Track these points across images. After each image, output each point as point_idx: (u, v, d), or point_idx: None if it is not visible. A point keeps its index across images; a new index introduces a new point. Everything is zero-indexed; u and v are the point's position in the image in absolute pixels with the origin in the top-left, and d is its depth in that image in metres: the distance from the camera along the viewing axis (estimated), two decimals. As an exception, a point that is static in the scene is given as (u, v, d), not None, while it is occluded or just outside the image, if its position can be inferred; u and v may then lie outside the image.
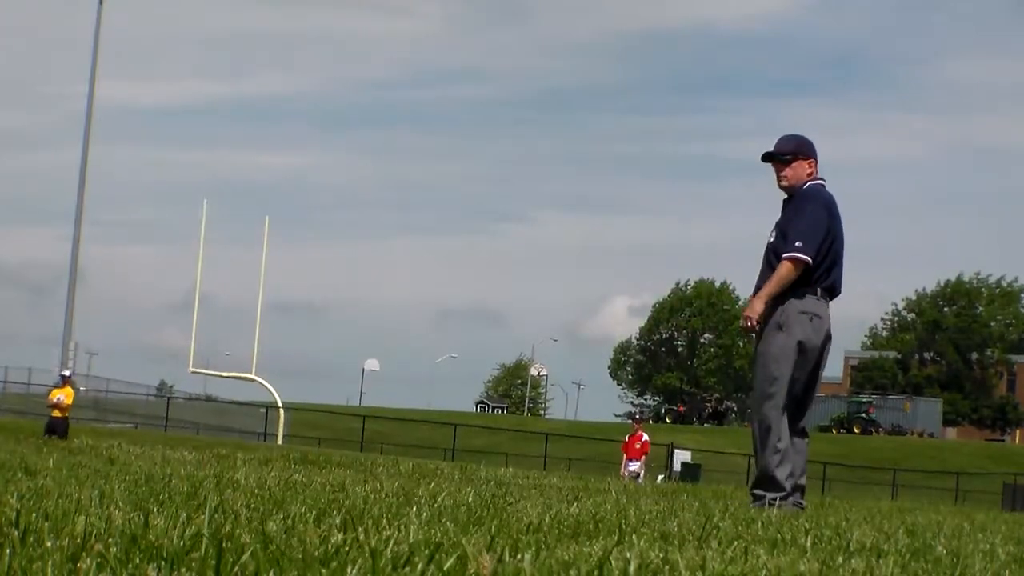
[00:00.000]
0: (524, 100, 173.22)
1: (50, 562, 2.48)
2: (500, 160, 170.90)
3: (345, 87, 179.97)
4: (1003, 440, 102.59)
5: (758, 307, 7.89)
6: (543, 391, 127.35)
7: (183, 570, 2.52)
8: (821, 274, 7.92)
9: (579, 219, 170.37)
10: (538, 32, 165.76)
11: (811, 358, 7.91)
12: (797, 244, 7.81)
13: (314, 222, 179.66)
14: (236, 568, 2.52)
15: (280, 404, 55.59)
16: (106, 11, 59.84)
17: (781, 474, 7.69)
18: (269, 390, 55.58)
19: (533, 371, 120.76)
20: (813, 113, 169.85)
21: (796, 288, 7.87)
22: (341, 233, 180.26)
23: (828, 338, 8.00)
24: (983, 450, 80.00)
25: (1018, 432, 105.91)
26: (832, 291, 8.02)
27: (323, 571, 2.56)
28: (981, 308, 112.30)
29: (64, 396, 29.89)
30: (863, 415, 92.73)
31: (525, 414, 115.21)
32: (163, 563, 2.56)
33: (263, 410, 61.02)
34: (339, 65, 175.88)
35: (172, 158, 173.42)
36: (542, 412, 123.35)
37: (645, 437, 34.37)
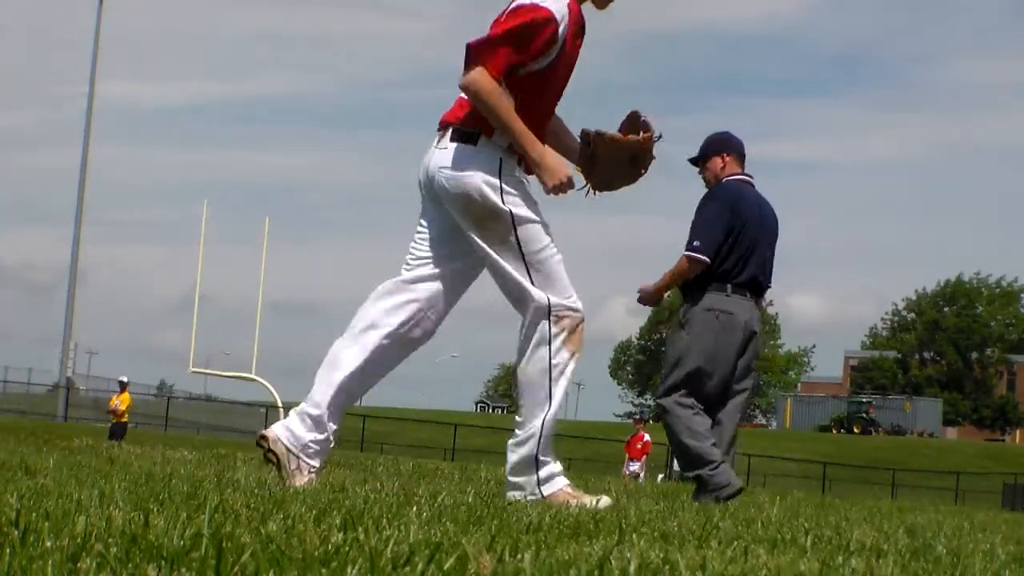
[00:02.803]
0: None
1: (50, 562, 2.48)
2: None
3: (345, 87, 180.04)
4: (1003, 440, 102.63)
5: (651, 286, 8.06)
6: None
7: (183, 570, 2.52)
8: (732, 270, 7.94)
9: (579, 219, 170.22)
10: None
11: (723, 355, 7.91)
12: (695, 244, 7.91)
13: (314, 222, 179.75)
14: (236, 568, 2.52)
15: (280, 404, 55.57)
16: (106, 11, 59.86)
17: (701, 448, 7.74)
18: (269, 390, 55.59)
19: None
20: (815, 113, 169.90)
21: (704, 286, 7.94)
22: (341, 233, 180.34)
23: (747, 333, 7.98)
24: (983, 450, 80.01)
25: (1018, 432, 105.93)
26: (752, 286, 8.02)
27: (323, 571, 2.56)
28: (981, 308, 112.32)
29: (120, 403, 30.42)
30: (863, 415, 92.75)
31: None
32: (163, 563, 2.56)
33: (263, 410, 61.01)
34: (339, 65, 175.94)
35: (172, 158, 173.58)
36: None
37: (647, 437, 34.40)
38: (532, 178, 5.92)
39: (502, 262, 5.76)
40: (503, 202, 5.75)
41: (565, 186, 5.83)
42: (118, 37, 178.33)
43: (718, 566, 3.10)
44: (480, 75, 5.76)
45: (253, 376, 54.94)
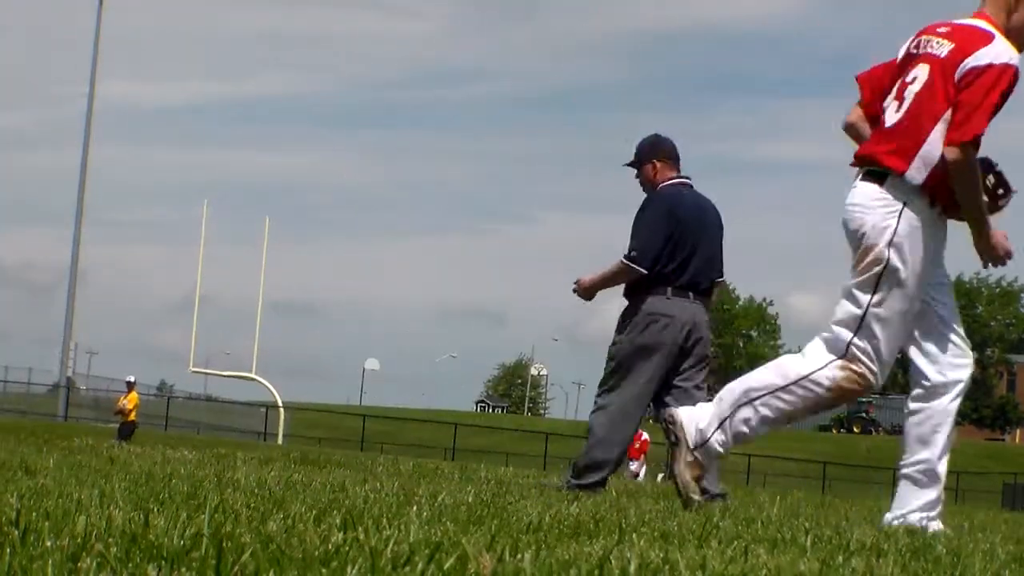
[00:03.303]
0: (526, 100, 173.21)
1: (50, 562, 2.48)
2: (501, 160, 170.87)
3: (346, 87, 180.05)
4: (1003, 440, 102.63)
5: (587, 282, 8.21)
6: (543, 391, 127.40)
7: (183, 570, 2.52)
8: (672, 273, 8.05)
9: (580, 219, 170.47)
10: (542, 33, 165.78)
11: (664, 357, 8.01)
12: (633, 252, 8.04)
13: (314, 222, 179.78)
14: (236, 568, 2.52)
15: (280, 404, 55.63)
16: (106, 11, 59.88)
17: (592, 457, 7.92)
18: (269, 390, 55.64)
19: (533, 371, 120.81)
20: (815, 113, 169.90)
21: (643, 291, 8.05)
22: (341, 233, 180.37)
23: (690, 334, 8.07)
24: (983, 450, 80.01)
25: (1018, 432, 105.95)
26: (694, 287, 8.12)
27: (323, 571, 2.56)
28: (981, 308, 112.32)
29: (128, 402, 30.53)
30: (863, 415, 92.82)
31: (525, 414, 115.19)
32: (163, 563, 2.56)
33: (263, 410, 61.04)
34: (340, 65, 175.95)
35: (172, 158, 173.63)
36: (542, 412, 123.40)
37: (645, 436, 34.43)
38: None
39: (848, 298, 5.82)
40: (887, 251, 5.76)
41: (1004, 259, 5.82)
42: (118, 37, 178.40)
43: (718, 566, 3.10)
44: (967, 151, 5.65)
45: (253, 376, 54.98)
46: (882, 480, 54.71)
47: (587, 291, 8.26)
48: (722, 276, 8.36)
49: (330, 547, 2.87)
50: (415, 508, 4.48)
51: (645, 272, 7.98)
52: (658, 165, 8.29)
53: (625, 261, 8.04)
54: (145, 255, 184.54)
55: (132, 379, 32.25)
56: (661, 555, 3.23)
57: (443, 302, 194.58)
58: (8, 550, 2.56)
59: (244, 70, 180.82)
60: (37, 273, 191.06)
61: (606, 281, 8.16)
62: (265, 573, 2.53)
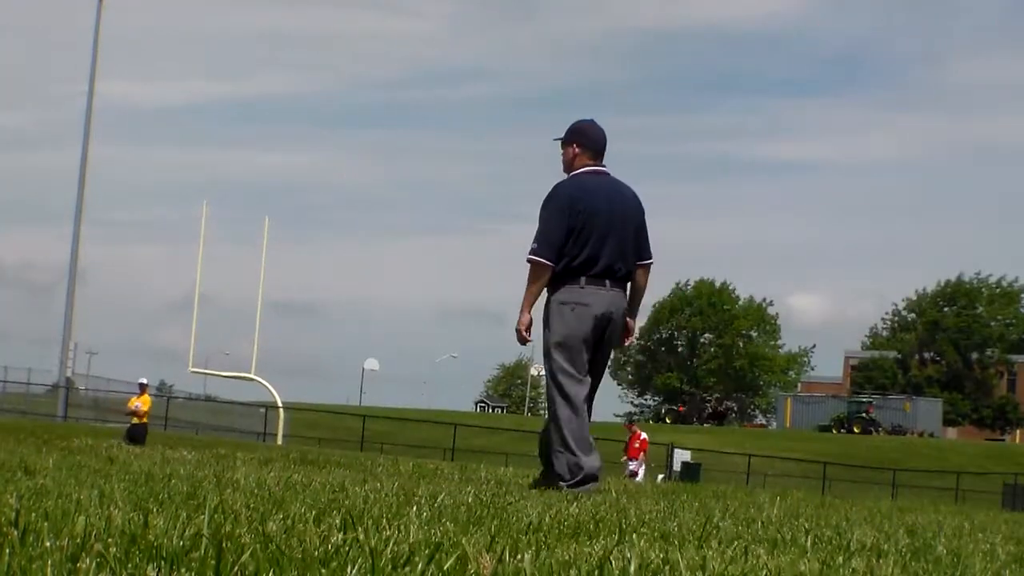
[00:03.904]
0: (526, 100, 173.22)
1: (50, 562, 2.48)
2: (501, 160, 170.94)
3: (346, 87, 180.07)
4: (1003, 440, 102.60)
5: (523, 318, 8.19)
6: (543, 391, 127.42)
7: (183, 570, 2.52)
8: (585, 263, 8.10)
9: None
10: (542, 32, 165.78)
11: (586, 344, 8.11)
12: (535, 246, 8.09)
13: (314, 222, 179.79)
14: (236, 568, 2.52)
15: (280, 404, 55.60)
16: (106, 11, 59.84)
17: (578, 460, 8.01)
18: (269, 390, 55.60)
19: (533, 371, 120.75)
20: (815, 113, 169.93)
21: (556, 282, 8.12)
22: (341, 233, 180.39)
23: (607, 319, 8.17)
24: (983, 450, 79.98)
25: (1018, 432, 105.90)
26: (609, 274, 8.17)
27: (323, 571, 2.56)
28: (981, 308, 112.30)
29: (141, 403, 30.42)
30: (863, 415, 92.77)
31: (525, 414, 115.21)
32: (163, 563, 2.56)
33: (263, 410, 61.01)
34: (340, 65, 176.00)
35: (172, 158, 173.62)
36: (542, 412, 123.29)
37: (643, 436, 34.46)
38: None
39: None
40: None
41: None
42: (118, 37, 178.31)
43: (718, 566, 3.10)
44: None
45: (253, 376, 54.96)
46: (882, 480, 54.72)
47: (525, 322, 8.20)
48: (649, 259, 8.40)
49: (330, 547, 2.87)
50: (415, 508, 4.48)
51: (550, 264, 8.03)
52: (577, 150, 8.37)
53: (529, 257, 8.10)
54: (145, 255, 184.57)
55: (145, 381, 32.07)
56: (661, 555, 3.23)
57: (443, 302, 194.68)
58: (8, 550, 2.56)
59: (244, 70, 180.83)
60: (37, 273, 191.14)
61: (529, 293, 8.17)
62: (265, 573, 2.53)
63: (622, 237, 8.21)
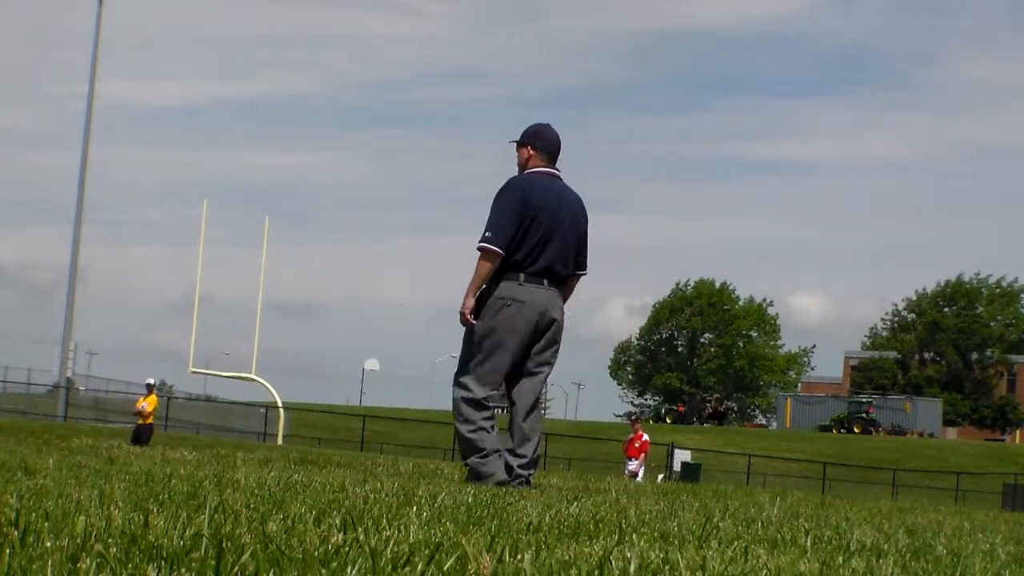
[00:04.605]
0: (527, 100, 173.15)
1: (50, 562, 2.48)
2: (501, 160, 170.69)
3: (346, 87, 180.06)
4: (1003, 440, 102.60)
5: (467, 302, 8.25)
6: (543, 391, 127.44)
7: (183, 570, 2.52)
8: (526, 260, 8.20)
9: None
10: (543, 32, 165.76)
11: (512, 341, 8.20)
12: (487, 235, 8.18)
13: (314, 222, 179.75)
14: (236, 568, 2.52)
15: (280, 404, 55.60)
16: (106, 11, 59.83)
17: (474, 438, 8.14)
18: (269, 390, 55.59)
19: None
20: (815, 113, 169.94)
21: (497, 276, 8.21)
22: (341, 233, 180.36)
23: (544, 319, 8.25)
24: (983, 450, 79.98)
25: (1018, 432, 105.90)
26: (548, 274, 8.27)
27: (323, 571, 2.56)
28: (981, 308, 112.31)
29: (147, 404, 30.43)
30: (863, 415, 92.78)
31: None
32: (163, 563, 2.56)
33: (263, 410, 61.01)
34: (340, 65, 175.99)
35: (172, 158, 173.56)
36: (542, 412, 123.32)
37: (645, 436, 34.45)
38: None
39: None
40: None
41: None
42: (118, 37, 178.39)
43: (718, 566, 3.10)
44: None
45: (253, 376, 54.94)
46: (882, 480, 54.74)
47: (469, 305, 8.29)
48: (584, 270, 8.50)
49: (330, 547, 2.87)
50: (415, 508, 4.48)
51: (502, 252, 8.12)
52: (531, 152, 8.49)
53: (481, 244, 8.17)
54: (145, 255, 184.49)
55: (152, 381, 32.03)
56: (661, 555, 3.23)
57: (443, 302, 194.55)
58: (8, 550, 2.56)
59: (244, 70, 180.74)
60: (37, 273, 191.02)
61: (476, 279, 8.24)
62: (265, 573, 2.53)
63: (565, 241, 8.34)
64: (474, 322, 8.22)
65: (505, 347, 8.18)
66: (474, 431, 8.18)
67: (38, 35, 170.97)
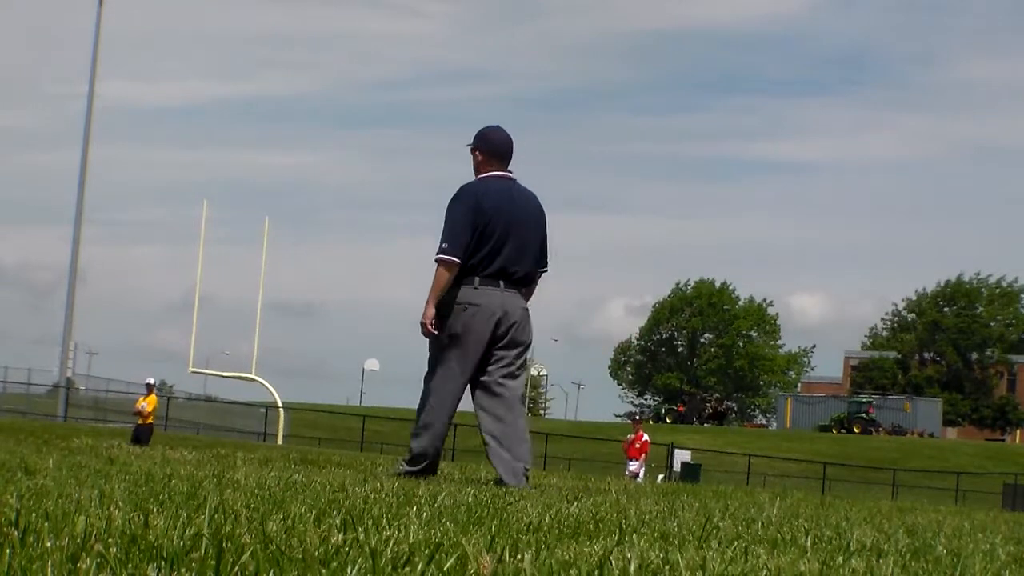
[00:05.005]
0: (527, 100, 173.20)
1: (50, 562, 2.48)
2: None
3: (346, 87, 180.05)
4: (1003, 440, 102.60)
5: (428, 311, 8.38)
6: (543, 391, 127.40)
7: (183, 570, 2.52)
8: (480, 264, 8.32)
9: (580, 219, 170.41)
10: (544, 32, 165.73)
11: (475, 344, 8.32)
12: (443, 245, 8.32)
13: (314, 222, 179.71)
14: (236, 568, 2.52)
15: (280, 404, 55.60)
16: (106, 11, 59.83)
17: (416, 446, 8.44)
18: (269, 390, 55.60)
19: (533, 371, 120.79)
20: (815, 113, 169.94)
21: (455, 281, 8.35)
22: (341, 233, 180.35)
23: (503, 321, 8.35)
24: (983, 450, 79.96)
25: (1018, 432, 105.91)
26: (504, 276, 8.37)
27: (323, 571, 2.56)
28: (981, 308, 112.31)
29: (147, 404, 30.41)
30: (863, 415, 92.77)
31: (525, 414, 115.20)
32: (163, 563, 2.56)
33: (263, 410, 61.03)
34: (341, 65, 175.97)
35: (172, 158, 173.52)
36: (542, 412, 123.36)
37: (645, 437, 34.45)
38: None
39: None
40: None
41: None
42: (118, 37, 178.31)
43: (718, 566, 3.10)
44: None
45: (253, 376, 54.94)
46: (882, 480, 54.73)
47: (430, 315, 8.40)
48: (544, 267, 8.58)
49: (330, 547, 2.87)
50: (415, 508, 4.48)
51: (458, 261, 8.27)
52: (480, 156, 8.57)
53: (437, 256, 8.30)
54: (145, 255, 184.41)
55: (152, 381, 32.02)
56: (661, 555, 3.23)
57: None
58: (8, 550, 2.56)
59: (244, 70, 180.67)
60: (37, 273, 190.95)
61: (434, 289, 8.37)
62: (265, 573, 2.53)
63: (522, 241, 8.41)
64: (435, 332, 8.34)
65: (464, 349, 8.29)
66: (421, 439, 8.44)
67: (38, 35, 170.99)
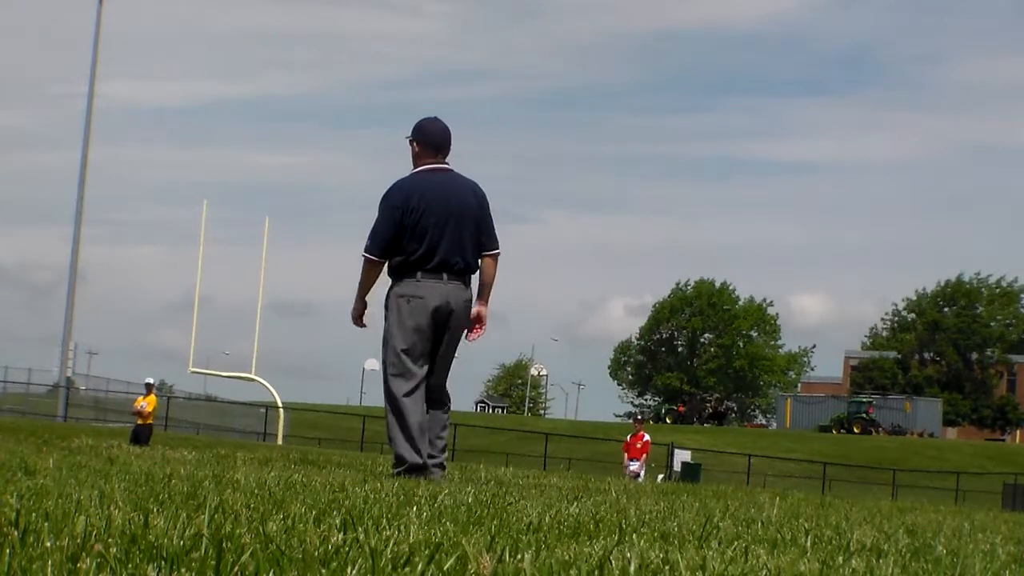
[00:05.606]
0: (528, 100, 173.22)
1: (50, 562, 2.48)
2: (501, 160, 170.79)
3: (347, 87, 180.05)
4: (1003, 440, 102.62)
5: (356, 307, 8.68)
6: (543, 391, 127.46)
7: (183, 570, 2.52)
8: (421, 257, 8.43)
9: (580, 219, 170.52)
10: (544, 32, 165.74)
11: (418, 335, 8.43)
12: (367, 243, 8.51)
13: (314, 222, 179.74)
14: (236, 568, 2.52)
15: (280, 404, 55.63)
16: (106, 11, 59.83)
17: (403, 451, 8.41)
18: (269, 390, 55.63)
19: (533, 371, 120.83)
20: (815, 113, 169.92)
21: (396, 276, 8.51)
22: (341, 233, 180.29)
23: (445, 311, 8.46)
24: (983, 450, 79.96)
25: (1018, 432, 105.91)
26: (446, 268, 8.46)
27: (323, 571, 2.56)
28: (981, 308, 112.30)
29: (146, 404, 30.40)
30: (863, 415, 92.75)
31: (525, 414, 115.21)
32: (163, 563, 2.56)
33: (263, 410, 61.05)
34: (341, 65, 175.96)
35: (172, 158, 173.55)
36: (542, 412, 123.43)
37: (646, 437, 34.44)
38: None
39: None
40: None
41: None
42: (118, 37, 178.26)
43: (718, 566, 3.10)
44: None
45: (253, 376, 54.96)
46: (882, 480, 54.73)
47: (357, 311, 8.66)
48: (494, 249, 8.63)
49: (330, 547, 2.87)
50: (415, 508, 4.48)
51: (378, 259, 8.44)
52: (416, 148, 8.67)
53: (362, 254, 8.48)
54: (145, 255, 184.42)
55: (151, 381, 32.01)
56: (661, 555, 3.23)
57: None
58: (8, 550, 2.56)
59: (244, 70, 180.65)
60: (37, 273, 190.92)
61: (361, 286, 8.59)
62: (265, 573, 2.53)
63: (460, 231, 8.48)
64: (365, 326, 8.55)
65: (416, 340, 8.39)
66: (400, 437, 8.46)
67: (38, 35, 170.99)
